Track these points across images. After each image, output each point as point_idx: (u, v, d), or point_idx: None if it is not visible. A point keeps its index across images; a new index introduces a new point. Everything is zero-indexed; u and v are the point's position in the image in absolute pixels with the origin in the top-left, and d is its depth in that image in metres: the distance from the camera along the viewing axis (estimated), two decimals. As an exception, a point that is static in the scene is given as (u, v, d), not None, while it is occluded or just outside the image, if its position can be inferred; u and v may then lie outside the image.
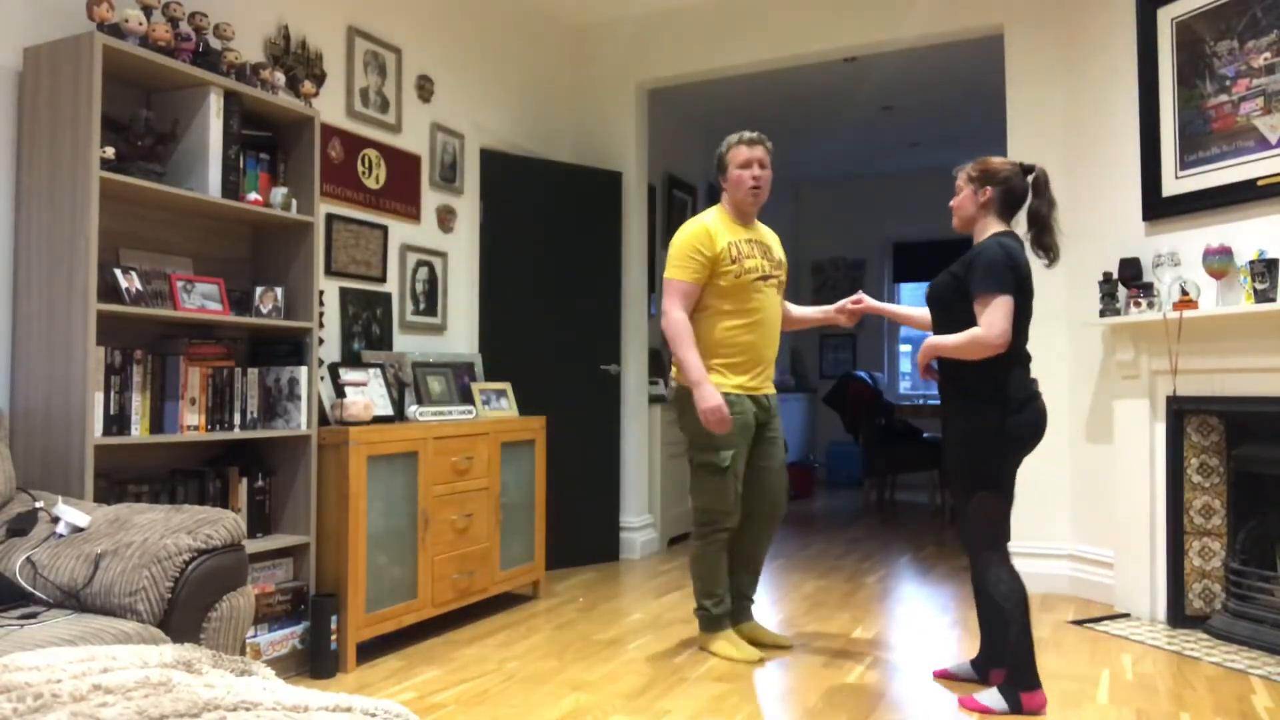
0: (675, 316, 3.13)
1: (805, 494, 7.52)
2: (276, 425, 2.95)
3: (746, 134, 3.25)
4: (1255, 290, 3.17)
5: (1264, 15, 3.29)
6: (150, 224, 2.80)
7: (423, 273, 4.05)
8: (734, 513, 3.15)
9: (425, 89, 4.10)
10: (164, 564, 1.94)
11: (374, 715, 1.24)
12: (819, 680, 2.91)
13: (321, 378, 3.30)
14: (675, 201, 6.56)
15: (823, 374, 8.93)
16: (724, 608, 3.22)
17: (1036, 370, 3.90)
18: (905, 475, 7.83)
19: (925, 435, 7.32)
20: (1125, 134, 3.83)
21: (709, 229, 3.16)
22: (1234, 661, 3.08)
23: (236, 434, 2.77)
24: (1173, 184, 3.59)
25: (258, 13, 3.25)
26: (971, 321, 2.67)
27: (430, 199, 4.13)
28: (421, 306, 4.04)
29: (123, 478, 2.58)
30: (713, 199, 7.07)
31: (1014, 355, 2.68)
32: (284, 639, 2.86)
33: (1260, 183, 3.26)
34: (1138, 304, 3.59)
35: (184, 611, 1.97)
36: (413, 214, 4.00)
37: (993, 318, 2.59)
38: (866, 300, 3.26)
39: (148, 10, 2.61)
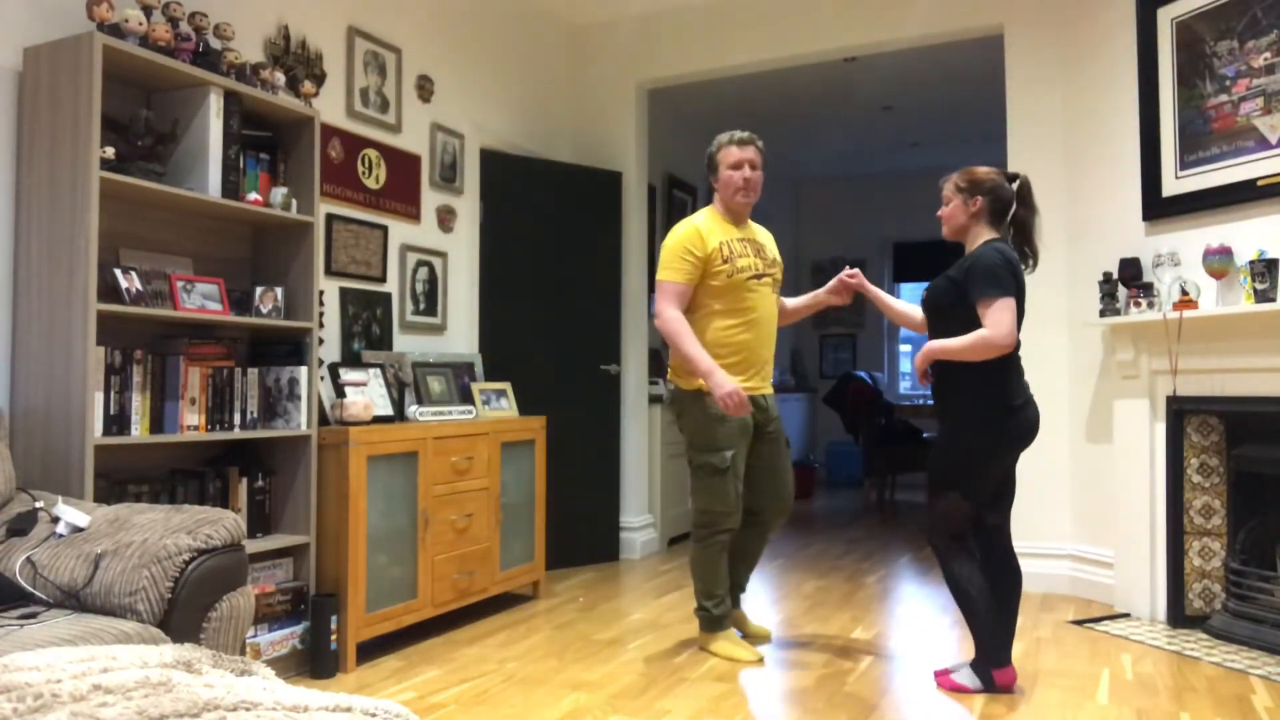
0: (670, 314, 3.11)
1: (805, 494, 7.52)
2: (276, 425, 2.95)
3: (737, 134, 3.24)
4: (1255, 290, 3.17)
5: (1264, 15, 3.29)
6: (150, 224, 2.80)
7: (423, 273, 4.05)
8: (734, 513, 3.15)
9: (425, 89, 4.10)
10: (164, 564, 1.94)
11: (374, 715, 1.23)
12: (819, 680, 2.91)
13: (321, 378, 3.30)
14: (675, 201, 6.56)
15: (823, 374, 8.93)
16: (724, 608, 3.22)
17: (1036, 370, 3.92)
18: (905, 475, 7.83)
19: (925, 435, 7.33)
20: (1125, 134, 3.83)
21: (699, 230, 3.16)
22: (1234, 661, 3.08)
23: (236, 434, 2.77)
24: (1173, 184, 3.59)
25: (258, 13, 3.25)
26: (967, 327, 2.71)
27: (430, 199, 4.13)
28: (421, 306, 4.04)
29: (123, 478, 2.58)
30: (712, 199, 7.08)
31: (1012, 358, 2.73)
32: (284, 639, 2.86)
33: (1260, 183, 3.26)
34: (1138, 304, 3.59)
35: (184, 611, 1.97)
36: (413, 214, 4.00)
37: (999, 318, 2.63)
38: (861, 278, 3.24)
39: (148, 10, 2.61)
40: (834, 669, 3.03)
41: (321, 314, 3.28)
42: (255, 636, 2.77)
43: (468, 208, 4.37)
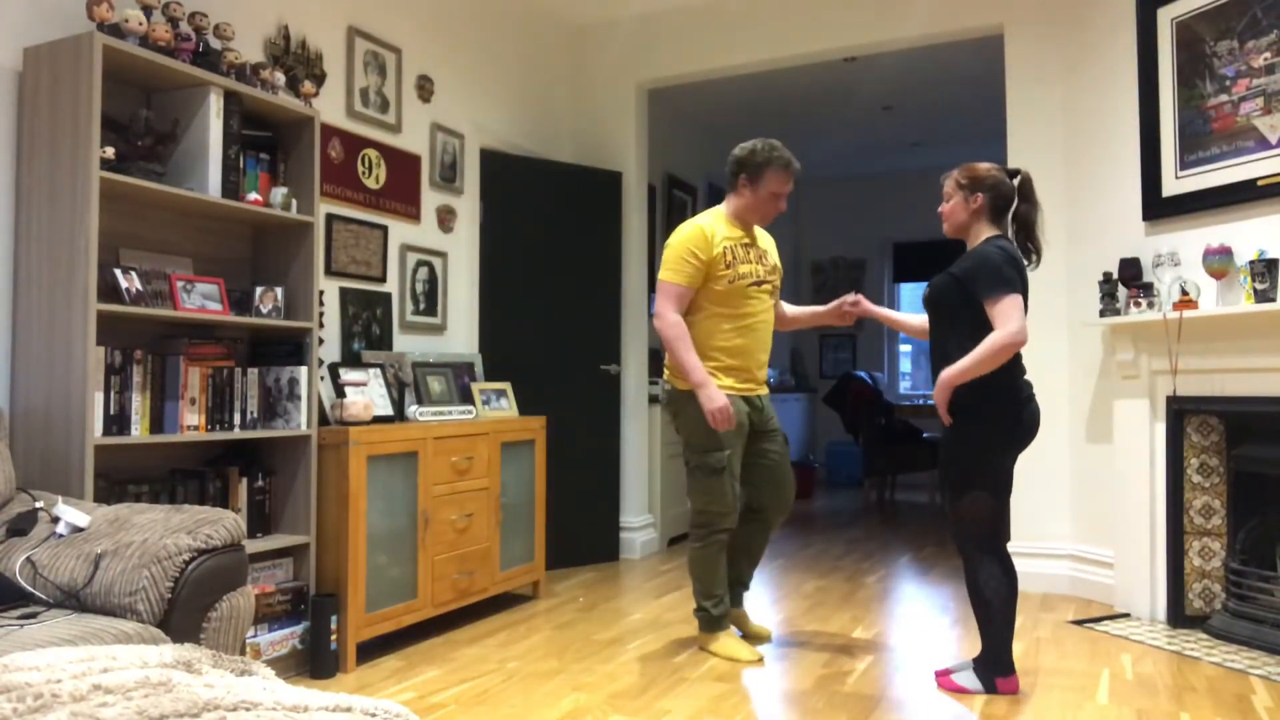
0: (670, 319, 3.11)
1: (805, 494, 7.52)
2: (276, 425, 2.95)
3: (793, 160, 3.24)
4: (1255, 290, 3.17)
5: (1264, 15, 3.29)
6: (150, 224, 2.80)
7: (423, 273, 4.05)
8: (731, 513, 3.15)
9: (425, 89, 4.10)
10: (164, 564, 1.94)
11: (374, 715, 1.23)
12: (819, 680, 2.91)
13: (321, 378, 3.30)
14: (675, 201, 6.56)
15: (823, 374, 8.93)
16: (723, 608, 3.22)
17: (1036, 370, 3.92)
18: (905, 475, 7.84)
19: (925, 435, 7.33)
20: (1125, 134, 3.83)
21: (706, 232, 3.15)
22: (1234, 661, 3.08)
23: (236, 434, 2.77)
24: (1173, 184, 3.59)
25: (258, 13, 3.25)
26: (971, 324, 2.69)
27: (430, 199, 4.13)
28: (421, 306, 4.04)
29: (123, 478, 2.58)
30: (713, 199, 7.09)
31: (1016, 356, 2.72)
32: (284, 639, 2.86)
33: (1260, 183, 3.26)
34: (1138, 304, 3.59)
35: (184, 611, 1.97)
36: (413, 214, 4.00)
37: (1010, 315, 2.62)
38: (864, 303, 3.26)
39: (148, 10, 2.61)
40: (834, 669, 3.03)
41: (321, 314, 3.28)
42: (255, 636, 2.77)
43: (468, 208, 4.37)
